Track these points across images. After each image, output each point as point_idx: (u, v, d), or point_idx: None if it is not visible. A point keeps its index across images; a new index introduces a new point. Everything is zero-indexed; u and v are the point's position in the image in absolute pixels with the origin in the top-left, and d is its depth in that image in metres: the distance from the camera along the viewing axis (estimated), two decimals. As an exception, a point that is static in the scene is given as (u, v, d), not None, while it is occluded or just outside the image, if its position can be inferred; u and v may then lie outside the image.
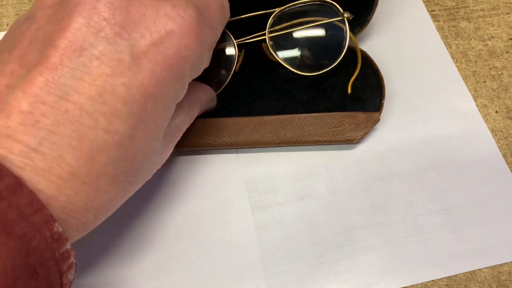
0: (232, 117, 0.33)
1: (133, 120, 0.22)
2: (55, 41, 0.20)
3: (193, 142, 0.32)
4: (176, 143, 0.28)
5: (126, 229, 0.31)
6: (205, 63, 0.26)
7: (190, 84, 0.26)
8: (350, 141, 0.32)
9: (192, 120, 0.29)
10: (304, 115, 0.32)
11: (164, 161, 0.27)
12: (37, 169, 0.20)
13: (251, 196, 0.32)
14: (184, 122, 0.28)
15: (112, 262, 0.30)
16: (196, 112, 0.29)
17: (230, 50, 0.33)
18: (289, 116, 0.32)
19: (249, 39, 0.34)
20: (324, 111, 0.33)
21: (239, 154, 0.33)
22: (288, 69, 0.33)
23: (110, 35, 0.21)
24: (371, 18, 0.35)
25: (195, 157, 0.33)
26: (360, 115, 0.32)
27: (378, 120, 0.33)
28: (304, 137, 0.32)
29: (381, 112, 0.33)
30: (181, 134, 0.28)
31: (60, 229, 0.20)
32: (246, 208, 0.31)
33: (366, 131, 0.32)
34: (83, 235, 0.22)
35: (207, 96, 0.31)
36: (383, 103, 0.33)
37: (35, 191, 0.19)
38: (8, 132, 0.19)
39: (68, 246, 0.20)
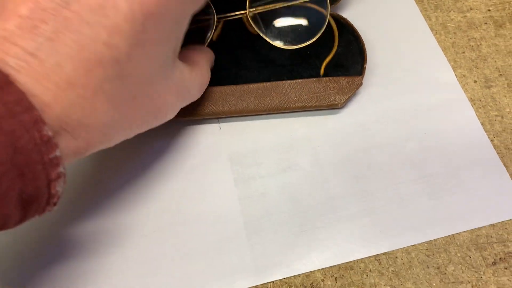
0: (217, 86, 0.33)
1: (133, 40, 0.21)
2: None
3: (178, 113, 0.32)
4: (184, 104, 0.27)
5: (108, 204, 0.31)
6: None
7: (199, 47, 0.26)
8: (335, 106, 0.33)
9: (203, 85, 0.29)
10: (289, 81, 0.33)
11: (170, 115, 0.26)
12: (33, 73, 0.19)
13: (234, 170, 0.32)
14: (192, 82, 0.27)
15: (95, 239, 0.30)
16: (207, 76, 0.29)
17: (208, 19, 0.33)
18: (274, 83, 0.33)
19: (230, 17, 0.34)
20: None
21: (222, 128, 0.34)
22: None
23: None
24: None
25: (177, 130, 0.34)
26: (343, 80, 0.33)
27: (361, 84, 0.33)
28: (289, 103, 0.33)
29: (363, 76, 0.33)
30: (189, 96, 0.28)
31: (50, 133, 0.19)
32: (230, 181, 0.32)
33: (349, 95, 0.33)
34: (74, 160, 0.22)
35: (211, 61, 0.31)
36: (365, 67, 0.34)
37: (30, 95, 0.19)
38: (4, 35, 0.19)
39: (58, 153, 0.20)
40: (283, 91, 0.33)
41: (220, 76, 0.34)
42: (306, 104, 0.33)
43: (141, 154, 0.32)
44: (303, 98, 0.33)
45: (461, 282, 0.29)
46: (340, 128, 0.34)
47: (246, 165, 0.32)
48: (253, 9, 0.33)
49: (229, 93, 0.33)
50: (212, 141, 0.33)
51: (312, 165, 0.32)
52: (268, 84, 0.33)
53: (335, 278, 0.29)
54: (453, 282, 0.29)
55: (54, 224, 0.30)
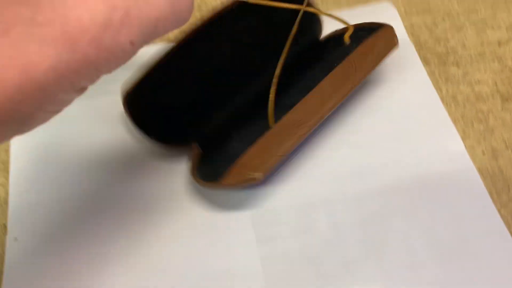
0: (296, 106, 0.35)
1: None
2: None
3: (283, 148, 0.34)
4: (146, 23, 0.18)
5: (132, 263, 0.33)
6: None
7: None
8: (394, 46, 0.38)
9: None
10: (347, 59, 0.36)
11: (114, 50, 0.17)
12: None
13: (257, 229, 0.34)
14: None
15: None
16: None
17: None
18: (338, 68, 0.36)
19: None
20: None
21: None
22: None
23: None
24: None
25: (200, 189, 0.36)
26: (380, 32, 0.38)
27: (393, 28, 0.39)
28: (362, 71, 0.36)
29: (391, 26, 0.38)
30: (144, 5, 0.18)
31: None
32: (252, 241, 0.34)
33: (396, 38, 0.38)
34: None
35: None
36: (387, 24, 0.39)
37: None
38: None
39: None
40: (350, 66, 0.36)
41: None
42: (375, 63, 0.37)
43: (161, 213, 0.34)
44: (368, 59, 0.36)
45: None
46: (356, 192, 0.36)
47: (267, 225, 0.34)
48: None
49: (314, 100, 0.35)
50: (234, 200, 0.35)
51: (330, 227, 0.34)
52: (335, 71, 0.36)
53: None
54: None
55: None
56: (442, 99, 0.41)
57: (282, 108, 0.36)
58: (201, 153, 0.36)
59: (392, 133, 0.39)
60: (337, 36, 0.41)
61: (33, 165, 0.37)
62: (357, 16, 0.45)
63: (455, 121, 0.39)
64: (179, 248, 0.33)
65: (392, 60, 0.42)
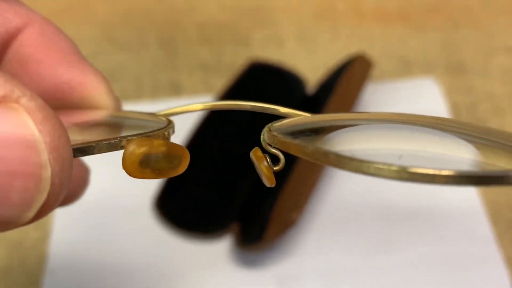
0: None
1: None
2: None
3: None
4: None
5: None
6: None
7: None
8: (370, 66, 0.42)
9: None
10: (335, 89, 0.40)
11: None
12: None
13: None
14: None
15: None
16: None
17: None
18: (330, 99, 0.39)
19: None
20: None
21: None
22: None
23: None
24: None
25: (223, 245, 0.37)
26: (354, 62, 0.41)
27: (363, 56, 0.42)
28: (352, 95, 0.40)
29: None
30: None
31: None
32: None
33: (369, 61, 0.42)
34: None
35: None
36: None
37: None
38: None
39: None
40: (342, 94, 0.40)
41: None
42: (360, 84, 0.41)
43: (178, 266, 0.36)
44: (354, 85, 0.40)
45: None
46: (382, 264, 0.36)
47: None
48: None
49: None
50: (260, 259, 0.37)
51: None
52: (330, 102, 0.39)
53: None
54: None
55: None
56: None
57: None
58: (241, 227, 0.37)
59: (421, 209, 0.39)
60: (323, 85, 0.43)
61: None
62: (397, 89, 0.47)
63: (487, 204, 0.40)
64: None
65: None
